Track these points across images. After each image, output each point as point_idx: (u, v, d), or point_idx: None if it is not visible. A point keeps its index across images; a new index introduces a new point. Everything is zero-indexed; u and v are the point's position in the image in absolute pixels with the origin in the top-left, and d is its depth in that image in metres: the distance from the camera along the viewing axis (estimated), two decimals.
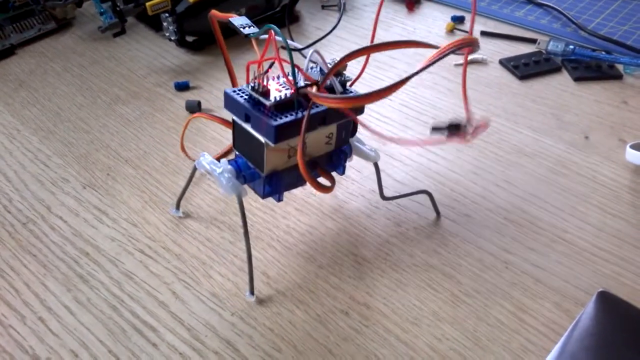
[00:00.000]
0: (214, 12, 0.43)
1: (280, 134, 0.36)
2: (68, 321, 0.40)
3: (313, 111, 0.37)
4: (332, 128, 0.40)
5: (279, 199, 0.42)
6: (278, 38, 0.35)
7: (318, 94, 0.35)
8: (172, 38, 0.68)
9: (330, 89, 0.38)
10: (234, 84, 0.48)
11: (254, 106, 0.37)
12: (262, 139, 0.37)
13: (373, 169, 0.48)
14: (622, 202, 0.47)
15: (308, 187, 0.47)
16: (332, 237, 0.45)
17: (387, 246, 0.44)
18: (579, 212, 0.46)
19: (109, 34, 0.66)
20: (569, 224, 0.46)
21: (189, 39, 0.69)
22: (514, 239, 0.44)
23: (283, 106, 0.37)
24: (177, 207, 0.48)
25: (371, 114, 0.58)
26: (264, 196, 0.40)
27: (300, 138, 0.35)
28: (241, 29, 0.40)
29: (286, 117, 0.36)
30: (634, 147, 0.50)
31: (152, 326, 0.39)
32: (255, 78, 0.37)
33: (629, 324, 0.35)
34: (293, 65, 0.35)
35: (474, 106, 0.58)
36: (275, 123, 0.35)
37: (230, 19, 0.41)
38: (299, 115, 0.36)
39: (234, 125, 0.40)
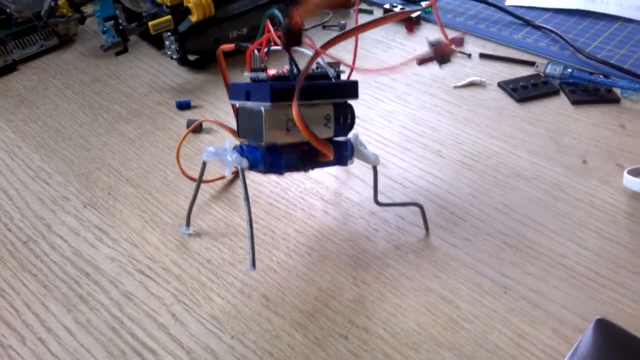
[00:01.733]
0: (223, 46, 0.46)
1: (275, 94, 0.39)
2: (68, 342, 0.40)
3: (307, 83, 0.40)
4: (329, 109, 0.42)
5: (281, 173, 0.43)
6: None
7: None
8: (174, 57, 0.69)
9: (325, 76, 0.43)
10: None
11: (254, 83, 0.42)
12: (260, 106, 0.40)
13: (373, 190, 0.48)
14: (619, 228, 0.48)
15: (309, 204, 0.48)
16: (332, 259, 0.46)
17: (387, 269, 0.45)
18: (576, 237, 0.47)
19: (111, 53, 0.66)
20: (567, 248, 0.46)
21: (191, 57, 0.70)
22: (513, 263, 0.45)
23: (280, 79, 0.42)
24: (188, 224, 0.48)
25: (372, 136, 0.58)
26: (265, 169, 0.42)
27: (298, 85, 0.38)
28: (245, 45, 0.45)
29: (281, 84, 0.40)
30: (631, 172, 0.51)
31: (152, 349, 0.40)
32: (255, 60, 0.42)
33: (627, 353, 0.36)
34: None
35: (473, 128, 0.59)
36: (271, 85, 0.39)
37: (236, 43, 0.46)
38: (293, 82, 0.40)
39: (237, 113, 0.44)
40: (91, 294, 0.44)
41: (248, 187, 0.52)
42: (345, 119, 0.43)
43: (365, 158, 0.45)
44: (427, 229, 0.48)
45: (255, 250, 0.46)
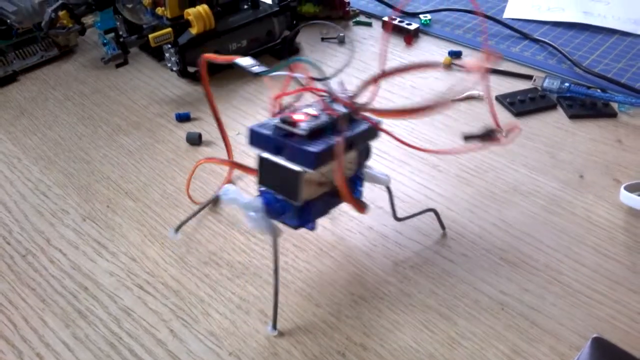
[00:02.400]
0: (206, 55, 0.45)
1: (319, 160, 0.37)
2: (66, 358, 0.40)
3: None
4: (353, 154, 0.41)
5: (312, 228, 0.42)
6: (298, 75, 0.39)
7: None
8: (174, 69, 0.69)
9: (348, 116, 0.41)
10: (224, 138, 0.53)
11: (285, 137, 0.38)
12: (297, 168, 0.38)
13: (371, 205, 0.49)
14: (616, 244, 0.48)
15: None
16: (330, 274, 0.46)
17: (385, 285, 0.45)
18: (573, 253, 0.47)
19: (109, 65, 0.66)
20: (564, 265, 0.46)
21: (191, 69, 0.70)
22: (510, 279, 0.45)
23: (314, 134, 0.38)
24: (177, 230, 0.48)
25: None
26: (297, 226, 0.41)
27: (339, 158, 0.36)
28: (251, 69, 0.43)
29: (321, 143, 0.37)
30: (628, 188, 0.51)
31: None
32: (282, 110, 0.40)
33: None
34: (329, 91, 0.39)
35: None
36: (315, 149, 0.37)
37: (235, 60, 0.43)
38: (332, 140, 0.38)
39: (261, 162, 0.40)
40: (90, 308, 0.44)
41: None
42: (366, 159, 0.43)
43: (376, 180, 0.45)
44: (443, 228, 0.49)
45: (254, 267, 0.46)
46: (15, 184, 0.56)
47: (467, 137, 0.38)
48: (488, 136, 0.38)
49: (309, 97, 0.43)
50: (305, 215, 0.40)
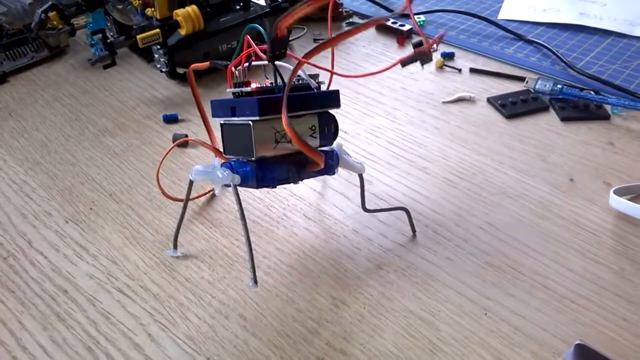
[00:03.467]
0: (194, 65, 0.46)
1: (263, 106, 0.39)
2: None
3: (292, 95, 0.40)
4: (314, 119, 0.43)
5: (274, 186, 0.43)
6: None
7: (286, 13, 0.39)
8: (163, 70, 0.69)
9: (307, 87, 0.43)
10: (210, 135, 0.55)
11: (239, 99, 0.42)
12: (248, 120, 0.40)
13: (357, 208, 0.48)
14: (604, 248, 0.47)
15: (290, 218, 0.47)
16: (312, 278, 0.45)
17: (367, 289, 0.44)
18: (560, 258, 0.46)
19: (99, 66, 0.66)
20: (550, 269, 0.45)
21: (180, 70, 0.69)
22: (495, 284, 0.44)
23: (264, 93, 0.42)
24: (175, 246, 0.47)
25: (358, 152, 0.58)
26: (258, 184, 0.42)
27: (284, 96, 0.37)
28: (221, 64, 0.47)
29: (266, 96, 0.40)
30: (617, 192, 0.50)
31: None
32: (238, 76, 0.42)
33: None
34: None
35: (460, 145, 0.58)
36: (257, 98, 0.40)
37: (210, 62, 0.48)
38: (278, 95, 0.40)
39: (222, 130, 0.44)
40: (68, 312, 0.43)
41: (230, 203, 0.52)
42: (329, 128, 0.44)
43: (350, 167, 0.46)
44: (413, 232, 0.49)
45: (236, 271, 0.46)
46: (0, 186, 0.55)
47: (404, 62, 0.41)
48: (419, 51, 0.40)
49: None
50: (264, 173, 0.42)
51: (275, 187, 0.44)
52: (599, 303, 0.43)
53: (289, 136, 0.40)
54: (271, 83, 0.43)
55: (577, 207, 0.51)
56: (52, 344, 0.41)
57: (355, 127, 0.61)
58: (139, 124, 0.63)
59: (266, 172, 0.42)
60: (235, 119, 0.42)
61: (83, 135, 0.62)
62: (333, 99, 0.44)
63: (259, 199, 0.52)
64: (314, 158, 0.40)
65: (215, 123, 0.53)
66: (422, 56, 0.41)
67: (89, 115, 0.65)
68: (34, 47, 0.75)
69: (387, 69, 0.43)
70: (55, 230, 0.50)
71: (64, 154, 0.59)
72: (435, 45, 0.41)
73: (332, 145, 0.45)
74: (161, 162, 0.53)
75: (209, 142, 0.56)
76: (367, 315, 0.42)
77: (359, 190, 0.52)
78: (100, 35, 0.63)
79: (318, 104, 0.43)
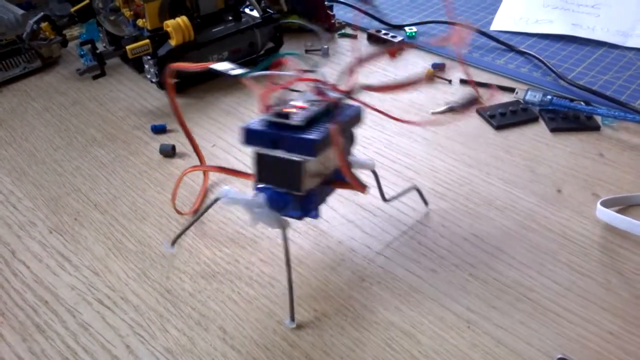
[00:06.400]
0: (176, 65, 0.45)
1: (318, 146, 0.38)
2: None
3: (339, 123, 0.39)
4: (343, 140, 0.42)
5: (316, 216, 0.42)
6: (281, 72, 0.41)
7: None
8: (154, 80, 0.69)
9: (336, 105, 0.42)
10: (195, 149, 0.54)
11: (280, 130, 0.39)
12: (297, 158, 0.38)
13: (342, 219, 0.48)
14: (591, 260, 0.46)
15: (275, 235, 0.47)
16: (295, 290, 0.45)
17: (349, 301, 0.44)
18: (546, 270, 0.46)
19: (90, 77, 0.66)
20: (536, 281, 0.45)
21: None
22: (478, 296, 0.44)
23: (311, 123, 0.39)
24: (173, 243, 0.48)
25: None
26: (301, 217, 0.42)
27: (338, 142, 0.37)
28: (229, 72, 0.43)
29: (317, 131, 0.38)
30: (604, 203, 0.50)
31: None
32: (271, 107, 0.40)
33: None
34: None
35: (448, 156, 0.58)
36: (314, 137, 0.38)
37: (211, 66, 0.44)
38: (326, 127, 0.39)
39: (259, 160, 0.40)
40: (48, 323, 0.43)
41: (215, 213, 0.52)
42: (350, 144, 0.44)
43: (361, 165, 0.46)
44: (426, 203, 0.51)
45: (217, 282, 0.45)
46: None
47: (451, 108, 0.42)
48: (469, 103, 0.41)
49: (292, 93, 0.44)
50: (308, 204, 0.41)
51: (318, 217, 0.43)
52: (584, 316, 0.42)
53: (329, 171, 0.40)
54: (305, 106, 0.41)
55: (565, 218, 0.50)
56: (31, 355, 0.41)
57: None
58: (127, 135, 0.63)
59: (310, 202, 0.41)
60: (279, 153, 0.39)
61: (71, 146, 0.62)
62: (360, 117, 0.44)
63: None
64: (359, 190, 0.41)
65: (206, 135, 0.52)
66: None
67: (78, 126, 0.65)
68: (26, 58, 0.75)
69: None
70: (39, 240, 0.50)
71: (51, 164, 0.59)
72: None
73: None
74: (177, 185, 0.54)
75: (194, 155, 0.56)
76: (348, 327, 0.42)
77: (345, 201, 0.52)
78: (89, 46, 0.63)
79: (350, 125, 0.43)
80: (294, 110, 0.40)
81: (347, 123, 0.42)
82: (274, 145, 0.39)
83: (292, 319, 0.41)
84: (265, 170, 0.40)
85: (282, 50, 0.77)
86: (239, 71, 0.43)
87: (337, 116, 0.40)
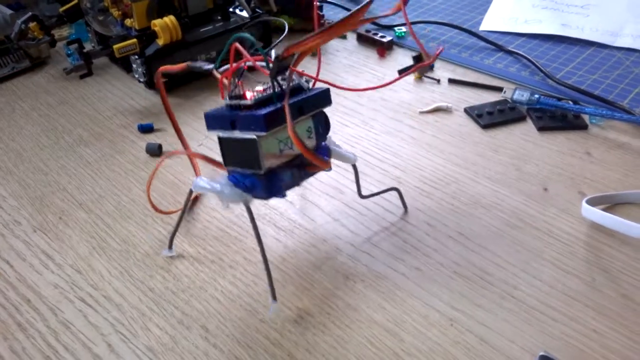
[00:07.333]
0: (162, 68, 0.45)
1: (268, 121, 0.38)
2: None
3: (289, 101, 0.39)
4: (309, 121, 0.42)
5: (283, 195, 0.42)
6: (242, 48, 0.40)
7: (299, 40, 0.37)
8: (141, 80, 0.69)
9: (298, 88, 0.43)
10: (183, 143, 0.54)
11: (237, 111, 0.40)
12: (252, 135, 0.39)
13: (327, 217, 0.48)
14: (576, 259, 0.46)
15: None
16: (278, 288, 0.44)
17: (333, 300, 0.43)
18: (531, 268, 0.46)
19: (78, 76, 0.66)
20: (520, 279, 0.45)
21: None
22: (462, 294, 0.44)
23: (262, 103, 0.40)
24: (170, 246, 0.47)
25: (333, 161, 0.57)
26: (267, 196, 0.42)
27: (287, 115, 0.36)
28: (202, 67, 0.45)
29: (268, 108, 0.39)
30: (590, 202, 0.50)
31: None
32: (232, 86, 0.41)
33: None
34: (267, 59, 0.40)
35: (435, 155, 0.58)
36: (262, 112, 0.38)
37: (187, 64, 0.46)
38: (279, 105, 0.39)
39: (221, 142, 0.42)
40: (30, 321, 0.43)
41: (200, 212, 0.52)
42: (323, 127, 0.44)
43: (342, 158, 0.46)
44: (405, 208, 0.51)
45: (200, 281, 0.45)
46: None
47: (401, 70, 0.42)
48: (418, 61, 0.42)
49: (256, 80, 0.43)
50: (272, 184, 0.41)
51: (285, 195, 0.43)
52: (568, 314, 0.42)
53: (291, 142, 0.40)
54: (264, 90, 0.41)
55: (551, 217, 0.50)
56: (11, 353, 0.41)
57: (332, 137, 0.61)
58: (114, 134, 0.63)
59: (275, 182, 0.41)
60: (237, 133, 0.40)
61: (58, 145, 0.61)
62: (326, 98, 0.44)
63: (230, 208, 0.52)
64: (319, 165, 0.40)
65: (192, 134, 0.52)
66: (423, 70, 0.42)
67: (65, 125, 0.65)
68: (15, 58, 0.75)
69: (389, 83, 0.44)
70: (23, 239, 0.50)
71: (38, 164, 0.59)
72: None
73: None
74: (150, 181, 0.53)
75: (183, 156, 0.55)
76: (331, 325, 0.42)
77: (330, 199, 0.52)
78: (76, 45, 0.63)
79: (314, 106, 0.43)
80: (252, 94, 0.41)
81: (304, 103, 0.42)
82: (232, 127, 0.40)
83: (274, 297, 0.41)
84: (228, 152, 0.42)
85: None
86: (209, 65, 0.45)
87: (289, 93, 0.39)
